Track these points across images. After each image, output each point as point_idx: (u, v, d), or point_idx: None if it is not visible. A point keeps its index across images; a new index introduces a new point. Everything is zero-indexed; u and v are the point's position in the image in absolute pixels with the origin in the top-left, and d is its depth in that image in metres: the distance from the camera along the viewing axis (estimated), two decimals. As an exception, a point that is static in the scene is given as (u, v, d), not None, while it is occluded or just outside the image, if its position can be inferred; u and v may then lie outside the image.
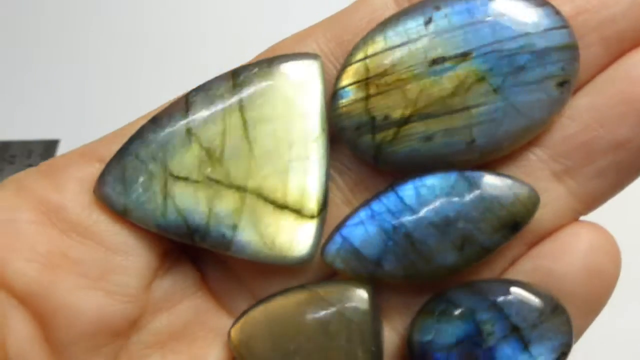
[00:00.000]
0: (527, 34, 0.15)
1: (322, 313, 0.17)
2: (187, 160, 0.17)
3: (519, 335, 0.15)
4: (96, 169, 0.17)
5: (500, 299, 0.15)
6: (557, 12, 0.15)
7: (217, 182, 0.17)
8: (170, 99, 0.18)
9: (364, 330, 0.16)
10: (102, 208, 0.17)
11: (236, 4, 0.37)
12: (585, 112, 0.16)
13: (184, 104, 0.17)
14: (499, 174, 0.16)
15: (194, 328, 0.18)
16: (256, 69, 0.17)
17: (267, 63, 0.17)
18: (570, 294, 0.15)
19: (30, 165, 0.31)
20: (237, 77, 0.17)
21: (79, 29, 0.36)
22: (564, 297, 0.15)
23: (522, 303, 0.15)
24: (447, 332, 0.15)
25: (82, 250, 0.17)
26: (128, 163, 0.17)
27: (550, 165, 0.16)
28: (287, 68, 0.17)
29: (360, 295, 0.17)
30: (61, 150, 0.32)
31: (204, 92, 0.17)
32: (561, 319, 0.15)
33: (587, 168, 0.16)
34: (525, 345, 0.15)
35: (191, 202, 0.17)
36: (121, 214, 0.17)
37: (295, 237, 0.17)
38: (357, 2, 0.17)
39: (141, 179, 0.17)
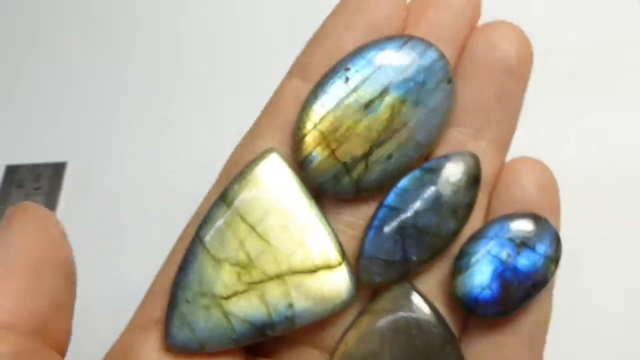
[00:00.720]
0: (413, 61, 0.20)
1: (387, 323, 0.20)
2: (226, 280, 0.20)
3: (526, 246, 0.20)
4: (160, 331, 0.19)
5: (498, 231, 0.20)
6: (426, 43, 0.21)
7: (259, 282, 0.20)
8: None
9: (431, 325, 0.20)
10: (184, 356, 0.19)
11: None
12: (467, 87, 0.21)
13: (198, 241, 0.20)
14: (444, 155, 0.21)
15: None
16: (236, 185, 0.20)
17: (240, 176, 0.20)
18: (534, 207, 0.20)
19: (39, 189, 0.30)
20: (226, 197, 0.20)
21: (87, 52, 0.35)
22: (528, 208, 0.21)
23: (516, 226, 0.20)
24: (480, 275, 0.20)
25: None
26: (183, 309, 0.19)
27: (466, 132, 0.21)
28: (259, 171, 0.20)
29: (406, 291, 0.20)
30: (68, 173, 0.31)
31: (210, 224, 0.20)
32: (544, 223, 0.20)
33: (488, 122, 0.21)
34: (533, 249, 0.20)
35: (249, 308, 0.20)
36: (200, 351, 0.19)
37: (336, 285, 0.20)
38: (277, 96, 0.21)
39: (201, 315, 0.19)
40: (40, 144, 0.33)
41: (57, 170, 0.32)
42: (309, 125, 0.20)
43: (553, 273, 0.20)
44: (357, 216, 0.22)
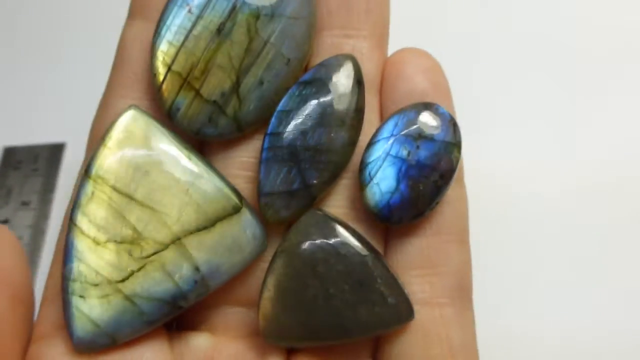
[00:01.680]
0: None
1: (305, 256, 0.19)
2: (117, 262, 0.18)
3: (424, 137, 0.19)
4: (65, 335, 0.17)
5: (395, 130, 0.19)
6: None
7: (154, 253, 0.18)
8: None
9: (343, 237, 0.19)
10: (99, 353, 0.17)
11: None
12: None
13: (73, 227, 0.18)
14: (319, 64, 0.19)
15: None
16: (98, 155, 0.18)
17: (101, 144, 0.18)
18: (424, 93, 0.19)
19: (36, 170, 0.30)
20: (90, 172, 0.18)
21: (84, 31, 0.33)
22: (419, 99, 0.20)
23: (409, 120, 0.19)
24: (385, 181, 0.19)
25: None
26: (80, 305, 0.18)
27: (337, 34, 0.20)
28: (120, 134, 0.18)
29: (316, 217, 0.19)
30: (67, 154, 0.31)
31: (81, 205, 0.18)
32: (436, 109, 0.19)
33: (356, 16, 0.20)
34: (431, 139, 0.19)
35: (152, 284, 0.18)
36: (114, 344, 0.18)
37: (241, 232, 0.18)
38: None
39: (101, 306, 0.17)
40: (38, 124, 0.32)
41: (55, 151, 0.31)
42: (162, 69, 0.18)
43: (458, 159, 0.20)
44: (249, 155, 0.20)
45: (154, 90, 0.18)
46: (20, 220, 0.29)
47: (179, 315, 0.19)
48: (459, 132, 0.20)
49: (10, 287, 0.17)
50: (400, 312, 0.19)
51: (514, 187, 0.29)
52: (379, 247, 0.20)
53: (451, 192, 0.20)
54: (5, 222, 0.29)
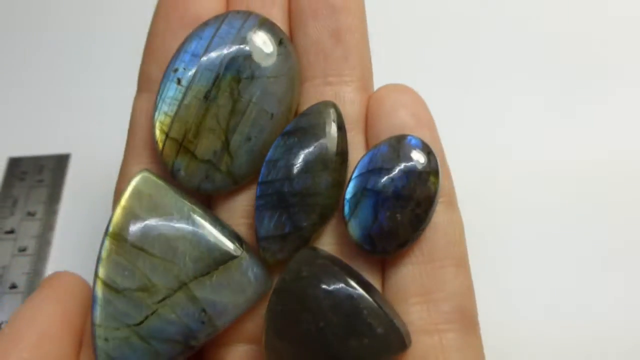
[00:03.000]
0: (235, 37, 0.21)
1: (294, 292, 0.20)
2: (134, 308, 0.20)
3: (396, 169, 0.20)
4: None
5: (370, 165, 0.20)
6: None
7: (165, 298, 0.20)
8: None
9: (330, 272, 0.19)
10: None
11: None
12: (302, 41, 0.22)
13: (97, 279, 0.20)
14: (300, 114, 0.21)
15: None
16: (115, 214, 0.21)
17: (116, 204, 0.21)
18: (406, 129, 0.20)
19: (41, 181, 0.30)
20: (109, 229, 0.21)
21: (90, 43, 0.34)
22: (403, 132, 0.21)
23: (381, 153, 0.20)
24: (363, 214, 0.20)
25: None
26: (105, 348, 0.20)
27: (318, 83, 0.21)
28: (132, 194, 0.21)
29: (305, 255, 0.20)
30: (72, 164, 0.31)
31: (102, 259, 0.21)
32: (408, 140, 0.20)
33: (333, 62, 0.21)
34: (404, 170, 0.20)
35: (164, 326, 0.20)
36: None
37: (243, 274, 0.20)
38: None
39: (123, 348, 0.20)
40: (44, 135, 0.32)
41: (60, 162, 0.31)
42: (160, 137, 0.21)
43: (435, 185, 0.20)
44: (248, 203, 0.22)
45: (157, 155, 0.21)
46: (26, 230, 0.29)
47: (194, 354, 0.21)
48: (434, 159, 0.20)
49: (78, 335, 0.20)
50: (390, 342, 0.19)
51: (513, 185, 0.28)
52: (376, 279, 0.21)
53: (439, 217, 0.20)
54: (11, 232, 0.29)
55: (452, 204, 0.21)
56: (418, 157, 0.20)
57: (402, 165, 0.20)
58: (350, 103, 0.21)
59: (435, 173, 0.20)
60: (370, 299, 0.19)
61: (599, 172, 0.29)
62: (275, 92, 0.21)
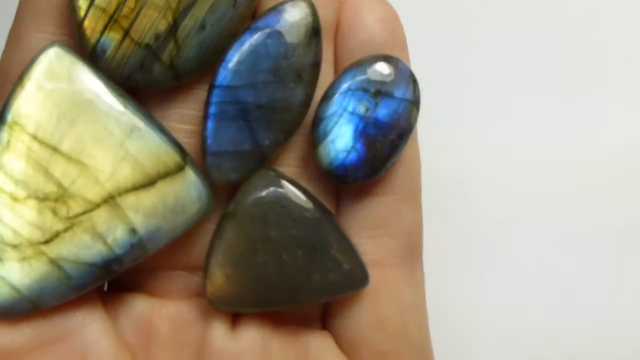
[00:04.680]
0: None
1: (255, 218, 0.17)
2: (39, 221, 0.16)
3: (383, 93, 0.18)
4: None
5: (348, 84, 0.18)
6: None
7: (83, 213, 0.16)
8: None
9: (295, 196, 0.18)
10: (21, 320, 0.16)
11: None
12: None
13: None
14: (273, 9, 0.17)
15: (183, 333, 0.18)
16: (14, 99, 0.16)
17: (17, 86, 0.16)
18: (381, 45, 0.18)
19: None
20: (5, 118, 0.16)
21: None
22: (377, 50, 0.18)
23: (369, 73, 0.18)
24: (341, 138, 0.18)
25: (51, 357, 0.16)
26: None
27: None
28: (41, 73, 0.16)
29: (266, 178, 0.18)
30: None
31: None
32: (397, 63, 0.18)
33: None
34: (390, 95, 0.18)
35: (80, 247, 0.16)
36: (35, 310, 0.16)
37: (185, 192, 0.17)
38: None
39: (21, 270, 0.16)
40: None
41: None
42: (82, 2, 0.16)
43: (416, 117, 0.18)
44: (190, 107, 0.18)
45: (74, 26, 0.16)
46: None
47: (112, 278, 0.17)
48: (418, 89, 0.18)
49: None
50: (355, 278, 0.18)
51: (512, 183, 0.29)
52: (330, 208, 0.19)
53: (406, 150, 0.19)
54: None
55: (415, 137, 0.19)
56: (405, 85, 0.18)
57: (391, 91, 0.18)
58: (323, 5, 0.18)
59: (417, 104, 0.18)
60: (340, 232, 0.18)
61: (602, 171, 0.29)
62: None
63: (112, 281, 0.18)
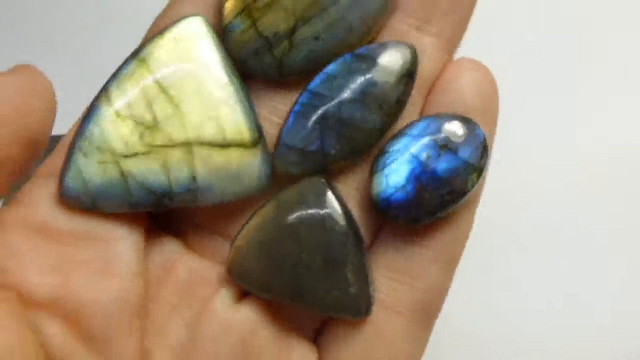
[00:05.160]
0: None
1: (296, 211, 0.19)
2: (128, 138, 0.19)
3: (449, 149, 0.19)
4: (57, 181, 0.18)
5: (423, 130, 0.19)
6: None
7: (163, 146, 0.19)
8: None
9: (335, 212, 0.19)
10: (79, 211, 0.18)
11: None
12: None
13: (104, 94, 0.19)
14: (379, 43, 0.20)
15: (195, 285, 0.20)
16: (152, 43, 0.19)
17: (158, 35, 0.19)
18: (469, 110, 0.19)
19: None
20: (139, 54, 0.19)
21: (82, 24, 0.34)
22: (464, 114, 0.19)
23: (439, 126, 0.19)
24: (395, 176, 0.19)
25: (83, 251, 0.18)
26: (79, 163, 0.18)
27: (408, 22, 0.20)
28: (179, 32, 0.19)
29: (318, 186, 0.19)
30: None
31: (118, 78, 0.19)
32: (472, 126, 0.19)
33: (435, 13, 0.20)
34: (455, 154, 0.19)
35: (148, 172, 0.19)
36: (93, 208, 0.18)
37: (249, 168, 0.19)
38: None
39: (96, 171, 0.19)
40: None
41: (54, 143, 0.31)
42: None
43: (474, 183, 0.19)
44: (284, 103, 0.20)
45: (218, 5, 0.19)
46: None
47: (161, 212, 0.20)
48: (487, 158, 0.19)
49: (28, 131, 0.17)
50: (357, 304, 0.19)
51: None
52: (367, 237, 0.20)
53: (459, 216, 0.20)
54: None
55: (473, 209, 0.20)
56: (474, 150, 0.19)
57: (456, 149, 0.19)
58: (429, 58, 0.20)
59: (481, 172, 0.19)
60: (362, 257, 0.19)
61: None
62: (366, 7, 0.19)
63: (160, 220, 0.21)
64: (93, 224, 0.18)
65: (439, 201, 0.19)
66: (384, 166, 0.19)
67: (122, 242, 0.19)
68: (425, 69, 0.20)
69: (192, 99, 0.19)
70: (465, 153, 0.19)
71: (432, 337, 0.20)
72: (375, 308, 0.19)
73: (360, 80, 0.19)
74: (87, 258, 0.18)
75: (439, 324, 0.20)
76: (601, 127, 0.30)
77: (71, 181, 0.18)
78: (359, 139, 0.19)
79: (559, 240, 0.28)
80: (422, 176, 0.19)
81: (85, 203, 0.19)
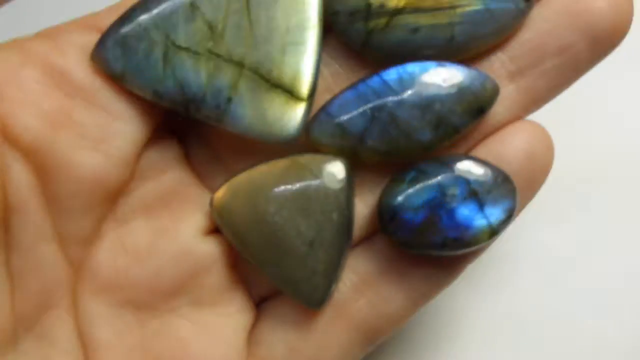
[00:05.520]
0: None
1: (302, 179, 0.18)
2: (190, 32, 0.18)
3: (477, 199, 0.18)
4: (96, 37, 0.17)
5: (463, 168, 0.18)
6: None
7: (217, 56, 0.18)
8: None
9: (339, 197, 0.18)
10: (102, 74, 0.17)
11: None
12: (539, 21, 0.19)
13: None
14: (469, 67, 0.19)
15: (177, 197, 0.19)
16: None
17: None
18: (513, 173, 0.19)
19: None
20: None
21: None
22: (512, 171, 0.19)
23: (480, 172, 0.18)
24: (415, 195, 0.18)
25: (86, 113, 0.17)
26: (130, 29, 0.17)
27: (507, 65, 0.19)
28: None
29: (339, 166, 0.19)
30: None
31: None
32: (509, 187, 0.18)
33: (535, 69, 0.19)
34: (480, 207, 0.18)
35: (191, 72, 0.18)
36: (118, 79, 0.17)
37: (285, 116, 0.18)
38: None
39: (142, 45, 0.18)
40: None
41: None
42: None
43: (483, 241, 0.19)
44: (350, 74, 0.19)
45: None
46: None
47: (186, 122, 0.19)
48: (508, 223, 0.19)
49: None
50: (313, 295, 0.19)
51: None
52: (357, 237, 0.20)
53: (451, 263, 0.19)
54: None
55: (470, 258, 0.20)
56: (501, 211, 0.18)
57: (483, 204, 0.18)
58: (507, 105, 0.19)
59: (495, 233, 0.18)
60: (340, 251, 0.19)
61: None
62: (480, 29, 0.18)
63: (180, 131, 0.20)
64: (108, 94, 0.18)
65: (440, 241, 0.19)
66: (408, 182, 0.19)
67: (125, 124, 0.18)
68: (497, 113, 0.19)
69: (270, 27, 0.18)
70: (490, 212, 0.19)
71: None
72: (328, 306, 0.19)
73: (432, 91, 0.18)
74: (85, 122, 0.17)
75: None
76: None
77: (112, 43, 0.17)
78: (401, 145, 0.19)
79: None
80: (439, 210, 0.18)
81: (114, 70, 0.18)
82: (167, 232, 0.19)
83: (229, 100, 0.18)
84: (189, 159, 0.20)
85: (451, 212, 0.18)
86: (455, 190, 0.18)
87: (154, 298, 0.18)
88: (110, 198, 0.18)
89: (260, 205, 0.18)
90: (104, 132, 0.17)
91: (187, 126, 0.20)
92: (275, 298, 0.20)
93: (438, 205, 0.18)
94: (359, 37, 0.19)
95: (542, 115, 0.20)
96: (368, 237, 0.20)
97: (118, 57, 0.17)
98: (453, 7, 0.18)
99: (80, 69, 0.17)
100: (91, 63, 0.17)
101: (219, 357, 0.18)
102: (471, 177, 0.18)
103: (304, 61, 0.18)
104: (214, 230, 0.19)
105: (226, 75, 0.18)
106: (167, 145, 0.19)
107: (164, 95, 0.18)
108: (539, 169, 0.19)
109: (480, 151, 0.19)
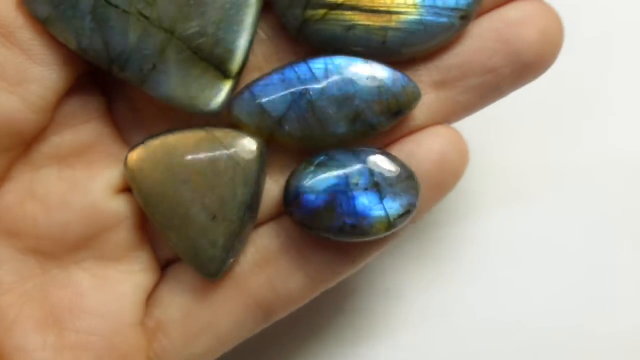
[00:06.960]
0: None
1: (214, 151, 0.19)
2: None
3: (377, 190, 0.19)
4: None
5: (371, 160, 0.19)
6: None
7: (147, 18, 0.18)
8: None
9: (247, 173, 0.19)
10: (29, 16, 0.17)
11: None
12: (472, 39, 0.19)
13: None
14: (394, 69, 0.19)
15: (93, 149, 0.19)
16: None
17: None
18: (424, 173, 0.19)
19: None
20: None
21: None
22: (418, 175, 0.19)
23: (386, 166, 0.19)
24: (320, 179, 0.19)
25: (5, 53, 0.17)
26: None
27: (433, 74, 0.19)
28: None
29: (252, 143, 0.19)
30: None
31: None
32: (412, 185, 0.19)
33: (459, 83, 0.19)
34: (380, 199, 0.19)
35: (118, 31, 0.18)
36: (42, 22, 0.17)
37: (211, 91, 0.18)
38: None
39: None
40: None
41: None
42: None
43: (380, 232, 0.19)
44: (282, 55, 0.20)
45: None
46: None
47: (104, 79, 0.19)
48: (407, 218, 0.19)
49: None
50: (209, 265, 0.19)
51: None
52: (264, 216, 0.20)
53: (355, 249, 0.20)
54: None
55: (375, 247, 0.20)
56: (399, 206, 0.19)
57: (383, 195, 0.19)
58: (424, 111, 0.20)
59: (390, 226, 0.19)
60: (242, 225, 0.19)
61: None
62: (416, 36, 0.19)
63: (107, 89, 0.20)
64: (30, 36, 0.17)
65: (338, 226, 0.19)
66: (316, 164, 0.19)
67: (46, 69, 0.17)
68: (416, 117, 0.20)
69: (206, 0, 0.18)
70: (389, 204, 0.19)
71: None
72: (225, 279, 0.20)
73: (354, 87, 0.19)
74: (3, 62, 0.17)
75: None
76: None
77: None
78: (315, 134, 0.19)
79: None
80: (340, 197, 0.19)
81: (40, 13, 0.17)
82: (79, 185, 0.19)
83: (154, 66, 0.18)
84: (112, 113, 0.20)
85: (351, 200, 0.19)
86: (358, 180, 0.19)
87: (59, 249, 0.19)
88: (24, 142, 0.18)
89: (171, 172, 0.19)
90: (22, 75, 0.17)
91: (112, 80, 0.19)
92: (180, 262, 0.20)
93: (340, 191, 0.19)
94: (295, 23, 0.19)
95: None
96: (276, 217, 0.21)
97: (46, 2, 0.17)
98: (389, 13, 0.18)
99: (4, 5, 0.16)
100: (19, 3, 0.17)
101: (113, 312, 0.19)
102: (376, 170, 0.19)
103: (237, 40, 0.18)
104: (127, 188, 0.19)
105: (154, 41, 0.18)
106: (89, 96, 0.19)
107: (88, 49, 0.18)
108: (449, 172, 0.20)
109: (395, 148, 0.20)
